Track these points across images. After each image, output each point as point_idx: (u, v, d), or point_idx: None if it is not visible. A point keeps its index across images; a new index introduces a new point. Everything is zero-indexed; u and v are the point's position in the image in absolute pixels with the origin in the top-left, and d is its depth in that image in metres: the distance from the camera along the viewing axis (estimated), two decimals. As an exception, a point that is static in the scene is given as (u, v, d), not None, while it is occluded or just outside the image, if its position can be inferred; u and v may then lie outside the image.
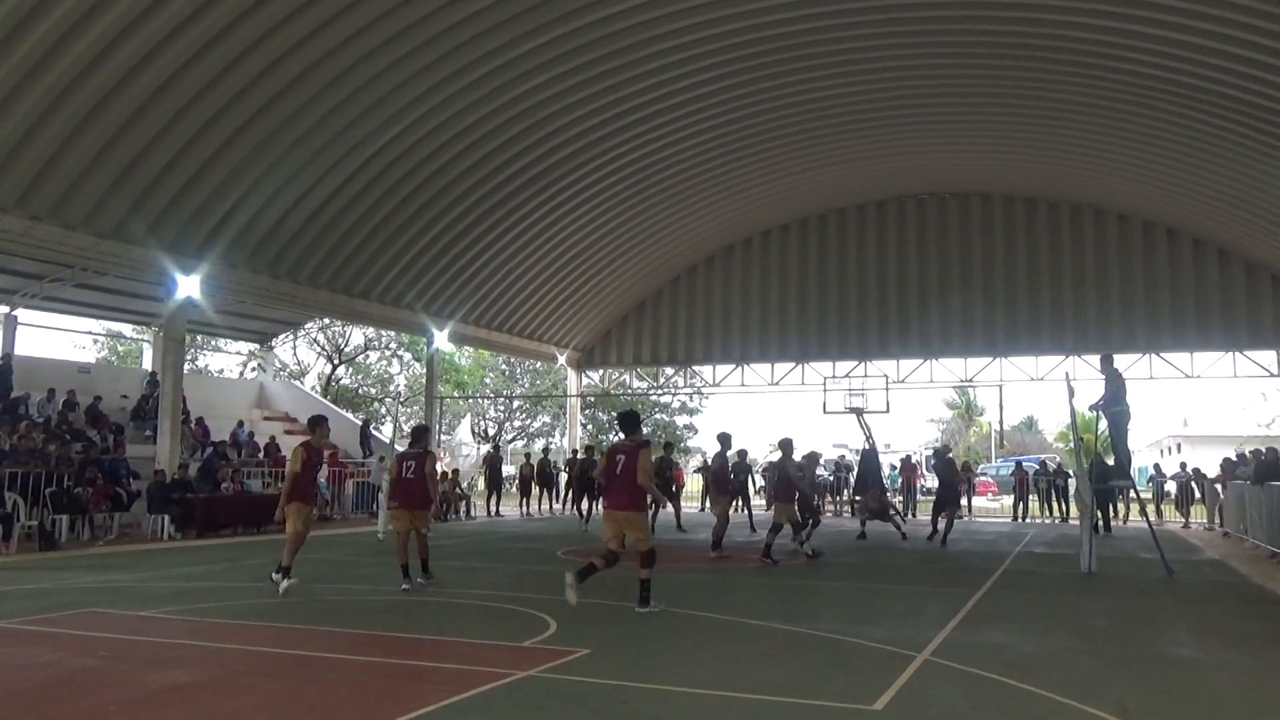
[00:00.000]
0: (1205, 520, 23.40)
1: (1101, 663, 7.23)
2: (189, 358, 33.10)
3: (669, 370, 33.41)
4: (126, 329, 35.56)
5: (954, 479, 18.18)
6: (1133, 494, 22.15)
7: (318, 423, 10.83)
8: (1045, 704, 5.98)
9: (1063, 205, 27.22)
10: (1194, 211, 24.32)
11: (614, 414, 50.03)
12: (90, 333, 34.23)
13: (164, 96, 14.83)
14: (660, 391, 40.27)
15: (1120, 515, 24.74)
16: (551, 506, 26.97)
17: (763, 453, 29.82)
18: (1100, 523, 21.15)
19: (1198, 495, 24.38)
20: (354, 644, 7.64)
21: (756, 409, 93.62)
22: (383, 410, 44.27)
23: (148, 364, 25.98)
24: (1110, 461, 17.69)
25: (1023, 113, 20.81)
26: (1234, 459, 21.81)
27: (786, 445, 14.73)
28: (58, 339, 46.53)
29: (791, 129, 21.78)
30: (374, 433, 20.82)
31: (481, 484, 27.50)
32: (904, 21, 17.06)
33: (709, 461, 16.53)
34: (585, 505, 21.02)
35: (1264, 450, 19.34)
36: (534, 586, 11.01)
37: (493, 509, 25.66)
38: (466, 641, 7.81)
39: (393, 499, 11.37)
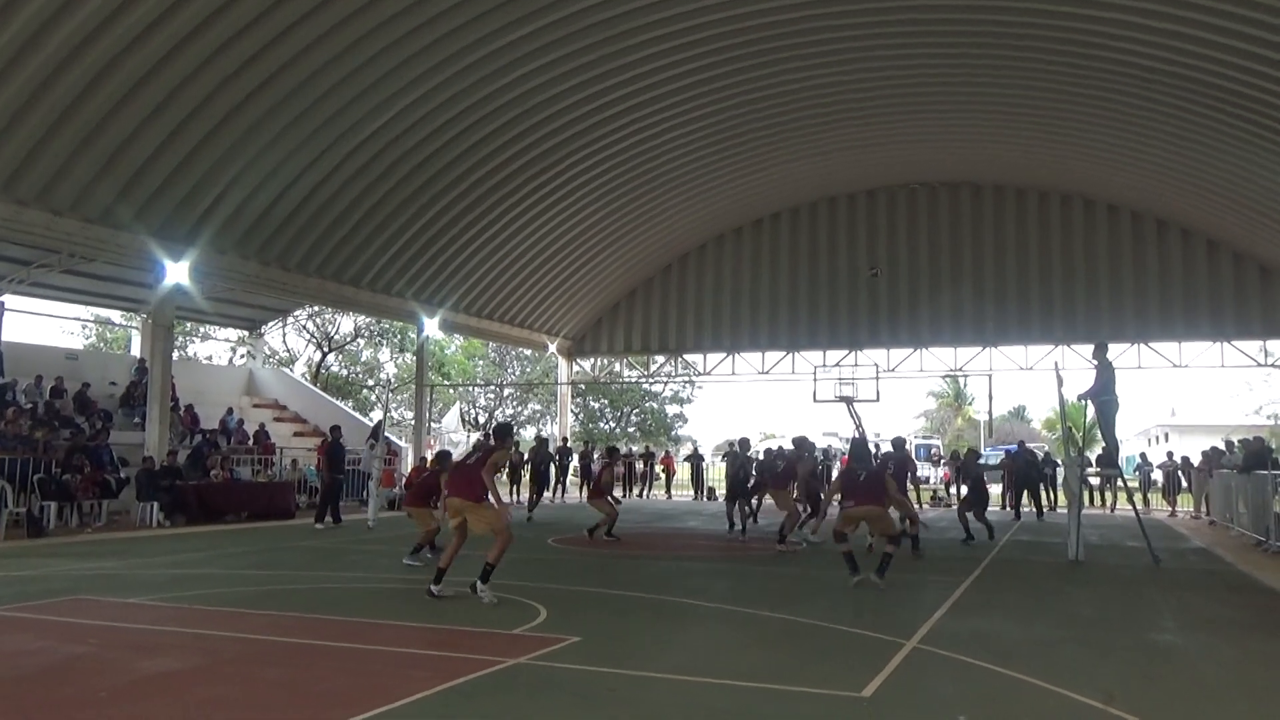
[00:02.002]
0: (1192, 509, 23.56)
1: (1088, 650, 7.28)
2: (178, 344, 32.99)
3: (659, 359, 33.42)
4: (115, 315, 35.33)
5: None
6: (1120, 482, 22.38)
7: (505, 433, 9.94)
8: (1032, 691, 6.03)
9: (1053, 195, 27.27)
10: (1183, 203, 24.40)
11: (604, 401, 50.34)
12: (78, 319, 34.06)
13: (153, 80, 14.70)
14: (651, 380, 40.26)
15: (1108, 504, 25.00)
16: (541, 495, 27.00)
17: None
18: (1032, 508, 21.91)
19: (1184, 484, 24.54)
20: (343, 631, 7.64)
21: (747, 398, 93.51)
22: (372, 398, 44.24)
23: (136, 351, 25.87)
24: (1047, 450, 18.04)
25: (1014, 103, 20.81)
26: (1220, 448, 21.97)
27: (898, 442, 15.03)
28: (45, 325, 46.29)
29: (782, 118, 21.74)
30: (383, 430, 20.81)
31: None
32: (894, 10, 17.03)
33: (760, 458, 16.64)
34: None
35: (1250, 439, 19.49)
36: (524, 574, 11.02)
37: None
38: (456, 629, 7.82)
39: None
